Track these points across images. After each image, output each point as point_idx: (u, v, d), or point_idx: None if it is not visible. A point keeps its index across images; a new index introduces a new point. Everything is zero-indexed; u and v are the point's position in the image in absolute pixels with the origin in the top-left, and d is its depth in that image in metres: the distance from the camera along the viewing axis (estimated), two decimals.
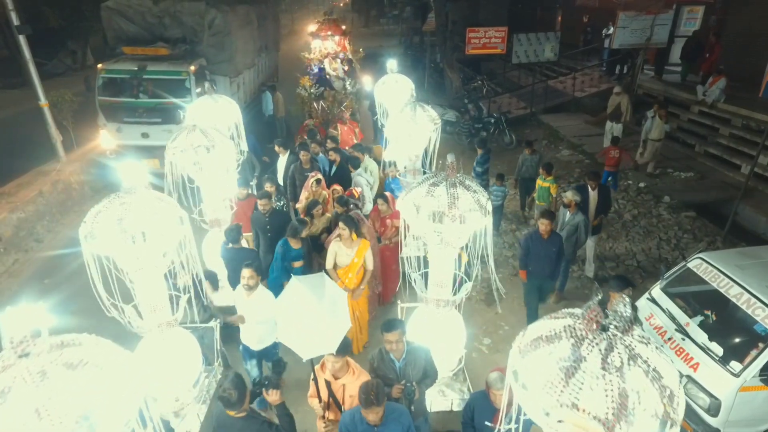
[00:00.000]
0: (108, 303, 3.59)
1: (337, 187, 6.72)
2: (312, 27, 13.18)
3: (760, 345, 4.11)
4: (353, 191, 6.75)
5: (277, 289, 4.85)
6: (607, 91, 14.17)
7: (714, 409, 4.10)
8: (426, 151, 6.49)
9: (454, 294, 4.35)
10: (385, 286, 6.33)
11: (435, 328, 4.36)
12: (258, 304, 4.42)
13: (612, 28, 12.94)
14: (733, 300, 4.39)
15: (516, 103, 15.39)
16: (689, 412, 4.28)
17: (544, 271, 5.61)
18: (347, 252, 5.25)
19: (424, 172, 6.57)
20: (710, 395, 4.13)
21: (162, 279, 3.89)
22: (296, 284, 3.56)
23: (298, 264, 5.34)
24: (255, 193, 6.98)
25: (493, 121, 12.86)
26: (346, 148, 8.73)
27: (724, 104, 10.71)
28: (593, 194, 6.72)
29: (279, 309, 3.58)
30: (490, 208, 3.79)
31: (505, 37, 14.51)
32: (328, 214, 6.35)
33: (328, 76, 11.33)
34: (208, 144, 5.06)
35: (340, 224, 5.17)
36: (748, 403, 4.06)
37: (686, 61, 12.58)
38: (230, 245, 5.39)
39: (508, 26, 14.88)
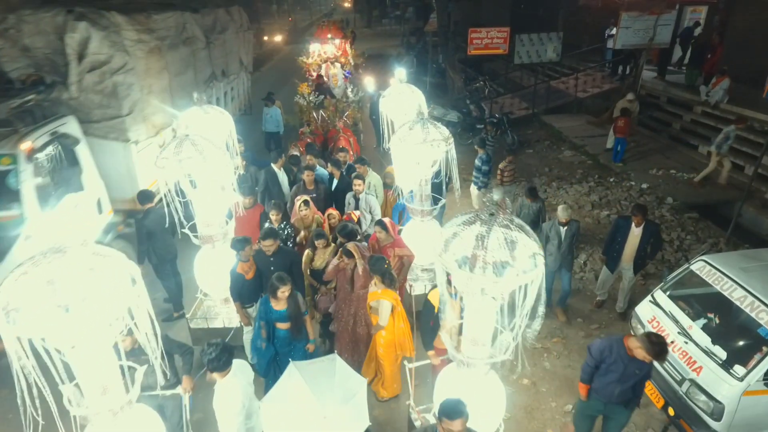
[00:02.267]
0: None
1: (333, 212, 6.04)
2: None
3: (764, 349, 4.07)
4: (351, 215, 6.11)
5: (256, 352, 4.58)
6: (610, 91, 14.17)
7: (717, 414, 4.07)
8: (437, 174, 5.69)
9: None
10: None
11: (468, 393, 3.26)
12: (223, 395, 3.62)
13: (614, 29, 12.87)
14: (737, 303, 4.35)
15: (518, 104, 15.35)
16: (692, 416, 4.25)
17: (615, 396, 3.91)
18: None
19: (436, 200, 5.98)
20: (713, 399, 4.10)
21: (111, 352, 2.81)
22: (295, 376, 2.91)
23: (283, 326, 4.50)
24: (262, 203, 6.61)
25: (495, 121, 12.82)
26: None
27: (727, 105, 10.65)
28: (636, 231, 5.75)
29: (270, 411, 2.89)
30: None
31: (508, 38, 14.46)
32: (333, 245, 5.56)
33: (327, 81, 10.87)
34: (199, 156, 4.61)
35: (376, 278, 4.59)
36: (751, 407, 4.02)
37: (692, 67, 12.44)
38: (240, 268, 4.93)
39: (510, 27, 14.84)
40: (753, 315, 4.18)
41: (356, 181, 6.39)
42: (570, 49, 15.66)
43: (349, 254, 4.83)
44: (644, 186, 9.64)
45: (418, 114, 5.49)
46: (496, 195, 3.04)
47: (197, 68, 9.07)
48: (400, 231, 6.01)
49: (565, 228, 5.89)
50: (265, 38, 31.26)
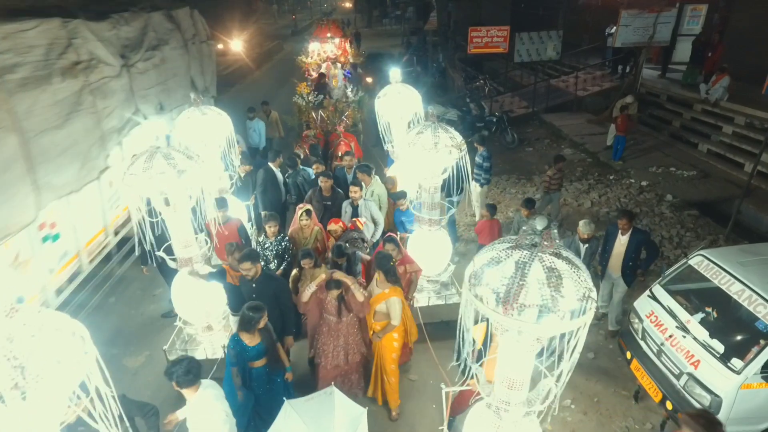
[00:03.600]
0: None
1: (335, 226, 5.56)
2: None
3: (762, 342, 4.07)
4: (356, 222, 5.70)
5: (229, 395, 3.81)
6: (610, 90, 14.17)
7: (715, 407, 4.07)
8: (447, 181, 5.30)
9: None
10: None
11: None
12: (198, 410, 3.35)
13: (614, 27, 12.88)
14: (735, 297, 4.36)
15: (518, 103, 15.37)
16: (690, 409, 4.25)
17: None
18: (369, 290, 4.57)
19: (449, 208, 5.62)
20: (711, 393, 4.10)
21: None
22: (292, 417, 2.74)
23: (258, 363, 4.01)
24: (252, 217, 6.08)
25: (494, 120, 12.85)
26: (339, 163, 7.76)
27: (727, 102, 10.65)
28: (623, 239, 5.49)
29: None
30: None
31: (508, 37, 14.47)
32: (326, 267, 5.00)
33: (326, 81, 10.59)
34: (174, 170, 3.97)
35: (378, 273, 4.42)
36: (749, 400, 4.02)
37: (693, 65, 12.37)
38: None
39: (510, 25, 14.84)
40: (751, 309, 4.19)
41: (353, 188, 5.98)
42: (570, 48, 15.67)
43: (337, 286, 4.31)
44: (644, 183, 9.64)
45: (428, 117, 5.07)
46: (539, 223, 2.62)
47: (99, 111, 5.89)
48: (406, 239, 5.84)
49: (586, 246, 5.45)
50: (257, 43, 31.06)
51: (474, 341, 3.22)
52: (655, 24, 12.02)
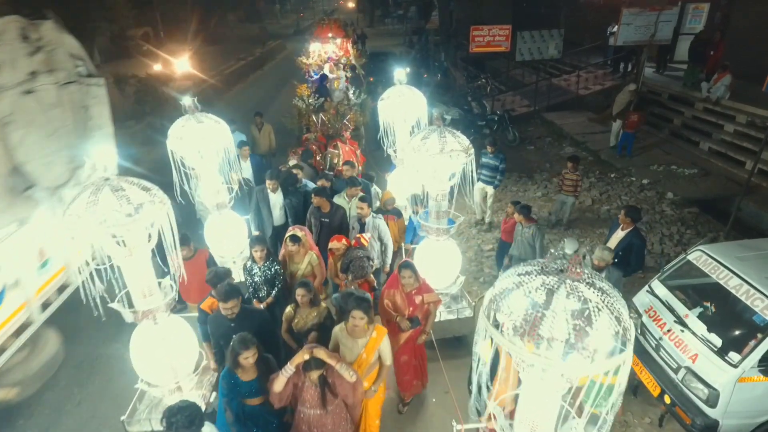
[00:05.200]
0: None
1: (338, 244, 4.99)
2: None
3: (759, 335, 4.10)
4: (361, 239, 5.10)
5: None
6: (612, 88, 14.17)
7: (712, 400, 4.10)
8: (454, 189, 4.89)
9: None
10: (402, 381, 4.76)
11: None
12: None
13: (616, 26, 12.88)
14: (733, 291, 4.38)
15: (519, 101, 15.41)
16: (687, 403, 4.29)
17: None
18: (351, 344, 3.76)
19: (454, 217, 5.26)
20: (709, 386, 4.13)
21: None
22: None
23: (254, 401, 3.59)
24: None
25: (496, 118, 12.87)
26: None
27: (728, 101, 10.65)
28: (620, 233, 5.51)
29: None
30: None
31: (509, 35, 14.49)
32: (324, 304, 4.44)
33: (327, 84, 10.16)
34: (128, 209, 3.16)
35: (354, 313, 3.63)
36: (746, 393, 4.04)
37: (693, 64, 12.29)
38: None
39: (512, 24, 14.87)
40: (748, 303, 4.21)
41: (360, 204, 5.57)
42: (571, 47, 15.69)
43: (318, 365, 3.32)
44: (645, 181, 9.67)
45: (435, 120, 4.77)
46: (569, 246, 2.38)
47: None
48: (413, 249, 5.57)
49: (603, 274, 4.76)
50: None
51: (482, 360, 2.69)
52: (657, 22, 12.02)
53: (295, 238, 4.92)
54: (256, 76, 24.34)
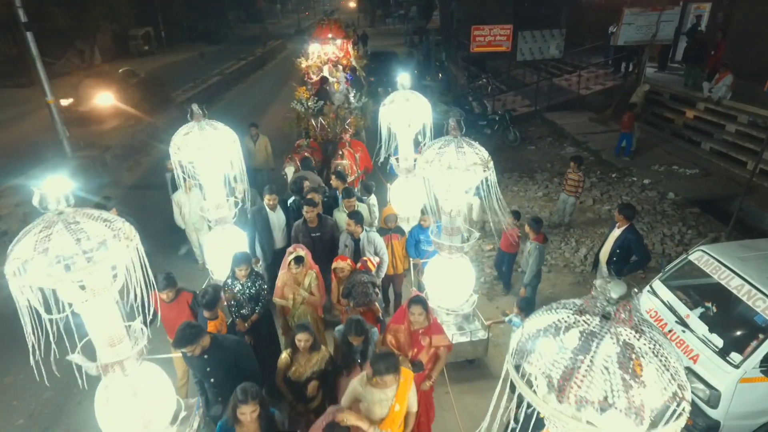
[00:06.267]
0: None
1: (342, 263, 4.58)
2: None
3: (761, 336, 4.08)
4: (367, 263, 4.67)
5: None
6: (612, 88, 14.16)
7: (714, 401, 4.08)
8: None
9: None
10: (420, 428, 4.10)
11: None
12: None
13: (617, 26, 12.87)
14: (734, 292, 4.36)
15: (520, 101, 15.40)
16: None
17: None
18: (380, 396, 3.19)
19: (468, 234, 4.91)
20: (710, 387, 4.11)
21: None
22: None
23: None
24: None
25: (497, 118, 12.86)
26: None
27: (729, 101, 10.63)
28: (616, 232, 5.46)
29: None
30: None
31: (510, 35, 14.47)
32: (324, 350, 3.88)
33: (327, 87, 9.72)
34: (88, 247, 2.50)
35: (386, 378, 3.08)
36: (748, 394, 4.03)
37: (690, 64, 12.27)
38: None
39: (513, 24, 14.85)
40: (750, 303, 4.19)
41: (348, 222, 5.09)
42: (573, 47, 15.68)
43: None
44: (646, 181, 9.65)
45: (452, 130, 4.31)
46: (615, 290, 1.78)
47: None
48: (423, 264, 5.26)
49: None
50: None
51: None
52: (658, 22, 12.01)
53: (299, 259, 4.50)
54: (256, 76, 24.34)
